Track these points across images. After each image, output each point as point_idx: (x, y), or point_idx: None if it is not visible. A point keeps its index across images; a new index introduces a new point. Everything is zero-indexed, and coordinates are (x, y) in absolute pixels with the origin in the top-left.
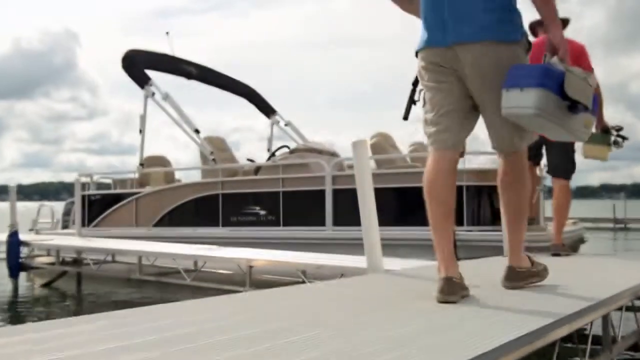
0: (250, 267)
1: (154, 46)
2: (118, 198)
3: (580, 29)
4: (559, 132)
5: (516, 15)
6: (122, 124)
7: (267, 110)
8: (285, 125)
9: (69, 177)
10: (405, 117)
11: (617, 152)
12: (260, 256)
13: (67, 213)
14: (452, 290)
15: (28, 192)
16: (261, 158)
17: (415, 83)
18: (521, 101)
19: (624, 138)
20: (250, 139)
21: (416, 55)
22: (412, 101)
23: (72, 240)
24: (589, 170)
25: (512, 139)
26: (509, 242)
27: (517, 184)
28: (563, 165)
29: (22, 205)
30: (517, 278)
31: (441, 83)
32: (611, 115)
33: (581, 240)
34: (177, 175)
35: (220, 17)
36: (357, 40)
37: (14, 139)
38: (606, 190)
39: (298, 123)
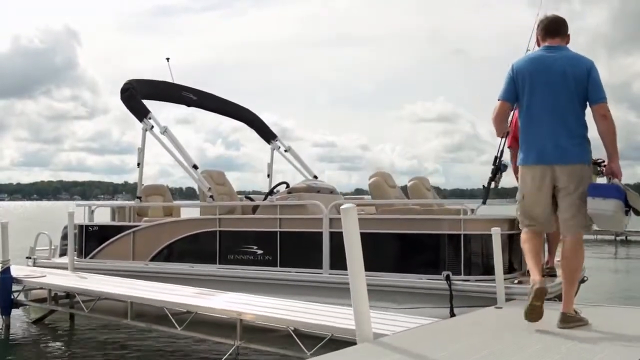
0: (241, 320)
1: (153, 44)
2: (116, 230)
3: (582, 28)
4: (611, 224)
5: (589, 144)
6: (122, 122)
7: (267, 135)
8: (285, 151)
9: (68, 177)
10: (484, 202)
11: (621, 152)
12: (251, 309)
13: (65, 237)
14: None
15: (27, 191)
16: (260, 160)
17: (495, 173)
18: (605, 206)
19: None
20: (250, 139)
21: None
22: (489, 189)
23: (63, 278)
24: None
25: (579, 227)
26: (563, 294)
27: (576, 257)
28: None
29: (20, 205)
30: (568, 321)
31: (539, 189)
32: (614, 114)
33: (582, 281)
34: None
35: (219, 17)
36: (357, 39)
37: (14, 138)
38: None
39: (298, 122)
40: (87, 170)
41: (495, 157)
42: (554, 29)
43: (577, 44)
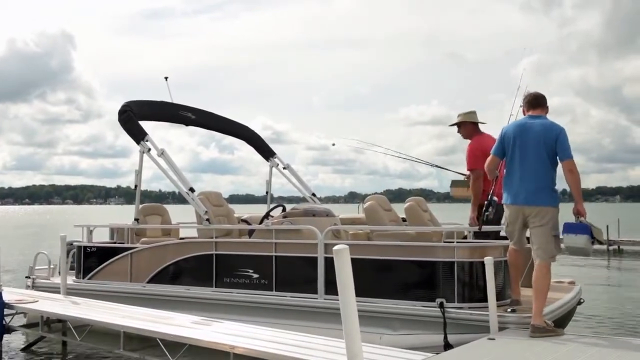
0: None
1: (147, 47)
2: (113, 251)
3: (574, 34)
4: (582, 252)
5: (554, 192)
6: (115, 126)
7: (266, 153)
8: (284, 168)
9: (60, 180)
10: (480, 229)
11: (613, 154)
12: (244, 342)
13: (66, 254)
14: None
15: (19, 195)
16: (255, 163)
17: (487, 207)
18: (577, 240)
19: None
20: (244, 143)
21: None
22: (483, 219)
23: (55, 304)
24: (585, 172)
25: (545, 255)
26: (533, 308)
27: (542, 280)
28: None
29: (20, 209)
30: (537, 331)
31: (513, 223)
32: (605, 118)
33: (578, 303)
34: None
35: (211, 20)
36: (352, 42)
37: (7, 141)
38: (602, 193)
39: (292, 126)
40: (80, 174)
41: (488, 194)
42: (535, 103)
43: (569, 49)
